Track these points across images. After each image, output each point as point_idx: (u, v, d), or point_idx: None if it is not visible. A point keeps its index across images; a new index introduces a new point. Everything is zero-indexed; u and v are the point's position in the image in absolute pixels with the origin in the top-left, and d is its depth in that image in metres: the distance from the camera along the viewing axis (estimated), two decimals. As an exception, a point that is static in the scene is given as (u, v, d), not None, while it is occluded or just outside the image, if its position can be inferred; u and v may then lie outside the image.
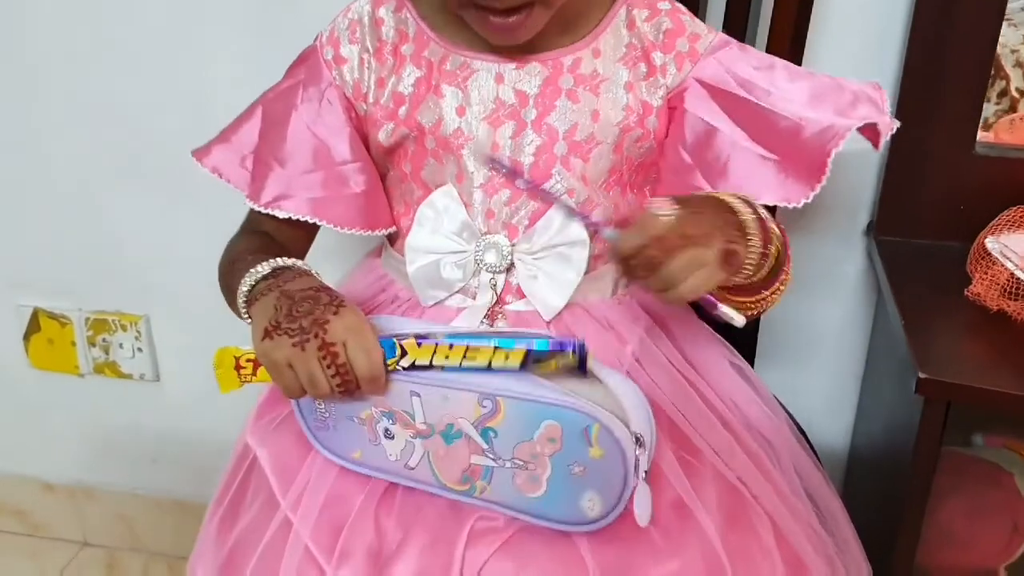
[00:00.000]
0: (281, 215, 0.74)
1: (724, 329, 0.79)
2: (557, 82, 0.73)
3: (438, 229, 0.74)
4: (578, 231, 0.73)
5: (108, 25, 1.11)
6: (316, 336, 0.62)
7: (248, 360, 0.65)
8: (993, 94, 0.96)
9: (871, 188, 1.01)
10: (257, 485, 0.75)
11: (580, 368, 0.62)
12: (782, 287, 0.70)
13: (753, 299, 0.69)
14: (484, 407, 0.64)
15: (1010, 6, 0.92)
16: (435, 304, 0.76)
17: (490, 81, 0.73)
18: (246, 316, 0.69)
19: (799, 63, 0.87)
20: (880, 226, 0.99)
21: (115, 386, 1.30)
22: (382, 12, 0.76)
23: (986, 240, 0.88)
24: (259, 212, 0.75)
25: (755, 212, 0.64)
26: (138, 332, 1.25)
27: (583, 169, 0.73)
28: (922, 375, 0.77)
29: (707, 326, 0.82)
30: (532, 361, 0.62)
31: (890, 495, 0.90)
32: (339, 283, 0.87)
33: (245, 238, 0.79)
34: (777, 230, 0.67)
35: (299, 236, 0.79)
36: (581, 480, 0.64)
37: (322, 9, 0.79)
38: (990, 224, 0.90)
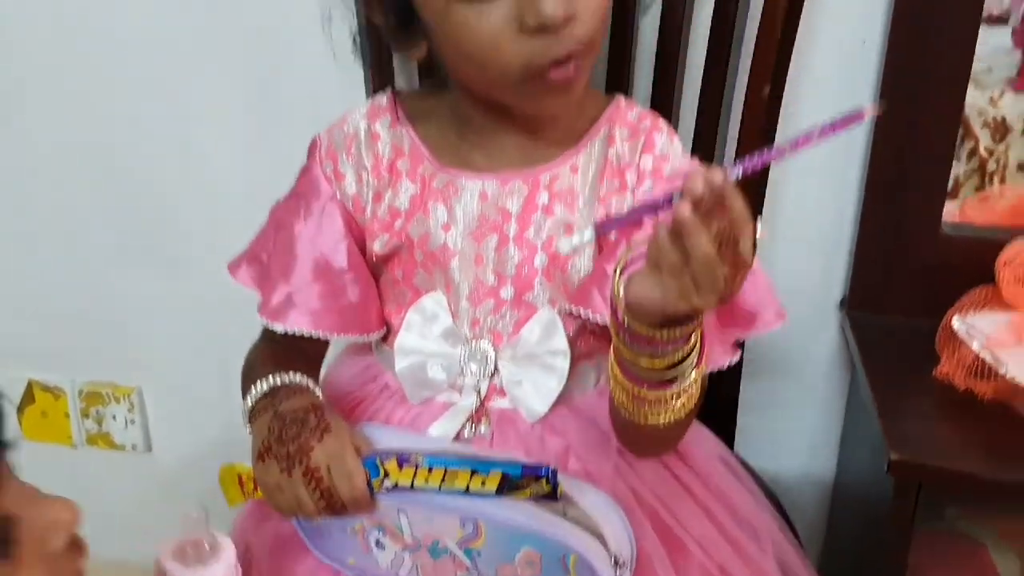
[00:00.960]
0: (280, 329, 0.78)
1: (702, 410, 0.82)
2: (535, 199, 0.76)
3: (425, 333, 0.78)
4: (560, 341, 0.75)
5: (108, 103, 1.14)
6: (301, 462, 0.66)
7: (250, 478, 0.70)
8: (963, 154, 1.00)
9: (844, 265, 1.05)
10: None
11: (552, 494, 0.64)
12: (695, 389, 0.67)
13: (667, 394, 0.66)
14: (466, 529, 0.67)
15: (976, 67, 0.97)
16: (423, 401, 0.79)
17: (475, 199, 0.76)
18: (249, 432, 0.73)
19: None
20: (852, 302, 1.03)
21: (107, 457, 1.32)
22: (378, 127, 0.79)
23: (953, 320, 0.91)
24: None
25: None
26: (131, 404, 1.27)
27: (562, 279, 0.76)
28: (894, 457, 0.80)
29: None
30: (507, 487, 0.64)
31: (867, 572, 0.93)
32: (335, 358, 0.90)
33: (264, 343, 0.83)
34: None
35: (310, 340, 0.81)
36: None
37: (316, 100, 0.83)
38: (957, 303, 0.93)
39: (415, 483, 0.66)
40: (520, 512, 0.65)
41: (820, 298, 1.07)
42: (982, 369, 0.86)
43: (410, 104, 0.80)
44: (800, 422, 1.13)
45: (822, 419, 1.12)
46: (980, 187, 1.01)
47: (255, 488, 0.69)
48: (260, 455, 0.68)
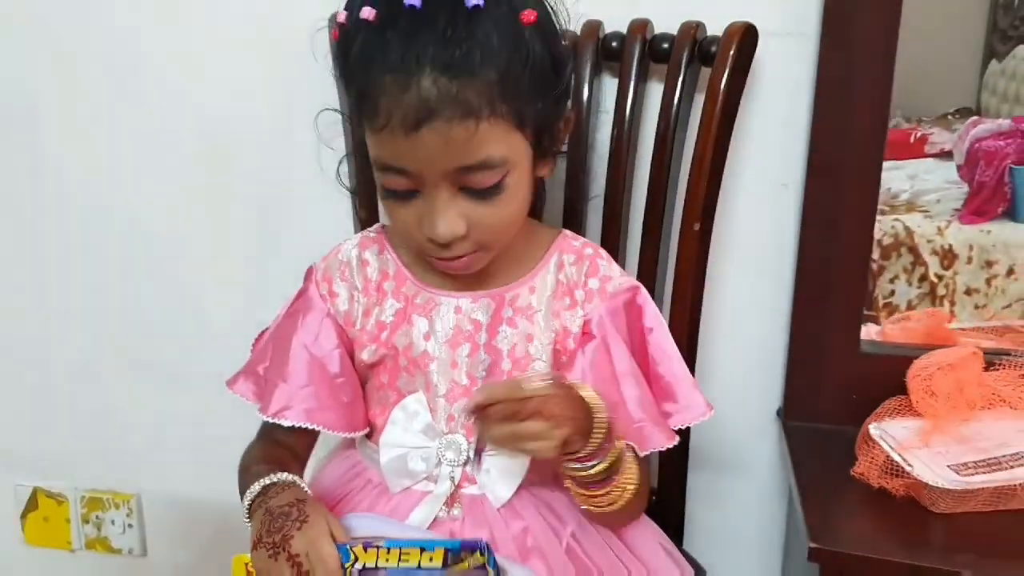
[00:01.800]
0: (285, 423, 0.89)
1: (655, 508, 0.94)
2: (500, 313, 0.90)
3: (408, 428, 0.90)
4: None
5: (112, 224, 1.25)
6: (284, 549, 0.75)
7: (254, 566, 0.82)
8: (914, 279, 1.11)
9: (779, 378, 1.17)
10: None
11: (485, 565, 0.76)
12: (619, 491, 0.84)
13: (598, 494, 0.83)
14: None
15: (924, 198, 1.09)
16: (403, 490, 0.90)
17: (451, 312, 0.90)
18: (248, 524, 0.82)
19: (703, 278, 1.05)
20: (787, 412, 1.14)
21: (104, 561, 1.39)
22: (367, 255, 0.93)
23: (870, 426, 1.02)
24: (269, 421, 0.90)
25: (607, 422, 0.81)
26: (130, 509, 1.35)
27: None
28: (813, 545, 0.90)
29: None
30: (450, 559, 0.76)
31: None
32: (323, 460, 1.00)
33: (259, 444, 0.93)
34: (622, 445, 0.83)
35: (301, 438, 0.93)
36: None
37: (305, 235, 0.96)
38: (874, 412, 1.05)
39: (378, 563, 0.77)
40: None
41: (761, 409, 1.19)
42: (893, 468, 0.97)
43: (394, 236, 0.95)
44: (747, 519, 1.22)
45: (767, 516, 1.22)
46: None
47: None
48: (254, 545, 0.78)
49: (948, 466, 0.95)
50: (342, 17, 0.81)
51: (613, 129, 1.05)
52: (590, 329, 0.91)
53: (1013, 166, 1.11)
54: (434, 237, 0.81)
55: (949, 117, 1.13)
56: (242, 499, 0.84)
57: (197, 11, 1.16)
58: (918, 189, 1.12)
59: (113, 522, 1.37)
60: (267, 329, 0.97)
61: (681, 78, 1.01)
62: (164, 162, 1.22)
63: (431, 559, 0.76)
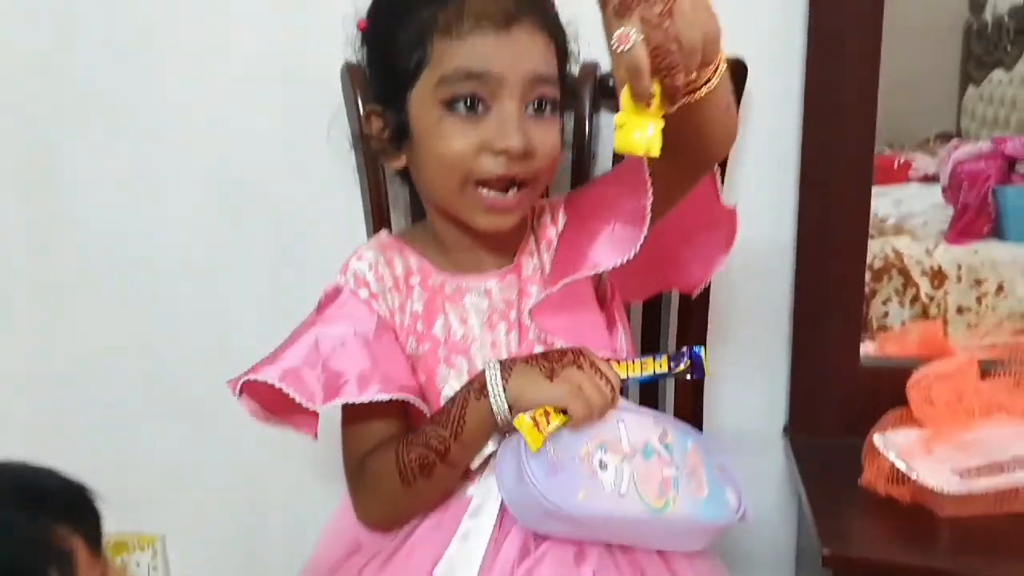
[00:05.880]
0: (385, 397, 0.88)
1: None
2: (521, 286, 0.95)
3: None
4: None
5: (133, 271, 1.27)
6: (584, 359, 0.85)
7: (541, 416, 0.83)
8: (907, 300, 1.16)
9: (784, 396, 1.21)
10: None
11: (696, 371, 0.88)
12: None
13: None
14: (659, 427, 0.88)
15: (911, 222, 1.14)
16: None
17: (482, 296, 0.95)
18: (505, 404, 0.84)
19: (707, 301, 1.09)
20: (793, 428, 1.19)
21: (130, 603, 1.41)
22: (390, 254, 0.97)
23: (874, 437, 1.06)
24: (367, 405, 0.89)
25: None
26: (155, 551, 1.37)
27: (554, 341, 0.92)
28: (826, 551, 0.94)
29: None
30: (672, 367, 0.89)
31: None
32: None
33: (381, 453, 0.91)
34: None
35: (399, 412, 0.93)
36: (721, 478, 0.91)
37: (328, 260, 0.98)
38: (877, 423, 1.08)
39: (628, 374, 0.88)
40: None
41: (767, 427, 1.23)
42: (898, 476, 1.01)
43: (404, 237, 1.00)
44: (759, 535, 1.25)
45: (779, 531, 1.26)
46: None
47: (548, 420, 0.82)
48: (550, 377, 0.83)
49: (951, 471, 0.99)
50: None
51: (612, 163, 1.10)
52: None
53: (995, 186, 1.16)
54: (509, 146, 0.84)
55: (931, 142, 1.19)
56: (461, 421, 0.85)
57: (212, 33, 1.19)
58: (905, 213, 1.18)
59: (138, 564, 1.39)
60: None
61: (675, 113, 1.07)
62: (182, 194, 1.24)
63: (660, 365, 0.88)
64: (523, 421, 0.82)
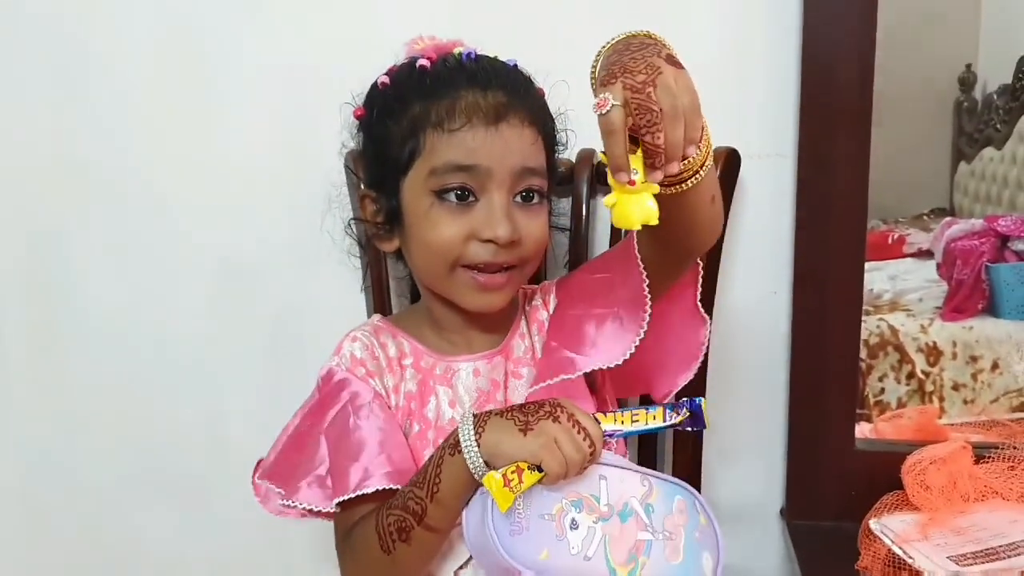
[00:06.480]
0: (369, 490, 0.87)
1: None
2: (509, 369, 0.96)
3: None
4: None
5: (135, 353, 1.28)
6: (561, 411, 0.82)
7: (512, 473, 0.80)
8: (902, 376, 1.16)
9: (780, 479, 1.21)
10: None
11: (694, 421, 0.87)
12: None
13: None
14: (644, 486, 0.86)
15: (906, 297, 1.15)
16: None
17: (471, 376, 0.96)
18: (480, 460, 0.81)
19: (704, 385, 1.10)
20: (790, 511, 1.18)
21: None
22: (383, 338, 0.98)
23: (870, 521, 1.06)
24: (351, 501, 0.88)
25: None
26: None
27: None
28: (822, 640, 0.94)
29: None
30: (668, 417, 0.86)
31: None
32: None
33: (365, 520, 0.88)
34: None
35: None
36: (699, 544, 0.87)
37: (322, 342, 0.99)
38: (873, 508, 1.09)
39: (615, 424, 0.85)
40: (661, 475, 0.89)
41: (765, 509, 1.23)
42: (894, 561, 1.01)
43: (396, 321, 1.02)
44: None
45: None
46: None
47: (520, 479, 0.78)
48: (523, 431, 0.80)
49: (948, 557, 0.99)
50: (384, 79, 0.94)
51: (610, 245, 1.12)
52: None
53: (989, 264, 1.17)
54: (496, 235, 0.87)
55: (924, 218, 1.20)
56: (435, 481, 0.83)
57: (209, 132, 1.21)
58: (900, 288, 1.19)
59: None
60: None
61: (670, 199, 1.08)
62: (180, 278, 1.26)
63: (654, 417, 0.87)
64: (493, 479, 0.79)
